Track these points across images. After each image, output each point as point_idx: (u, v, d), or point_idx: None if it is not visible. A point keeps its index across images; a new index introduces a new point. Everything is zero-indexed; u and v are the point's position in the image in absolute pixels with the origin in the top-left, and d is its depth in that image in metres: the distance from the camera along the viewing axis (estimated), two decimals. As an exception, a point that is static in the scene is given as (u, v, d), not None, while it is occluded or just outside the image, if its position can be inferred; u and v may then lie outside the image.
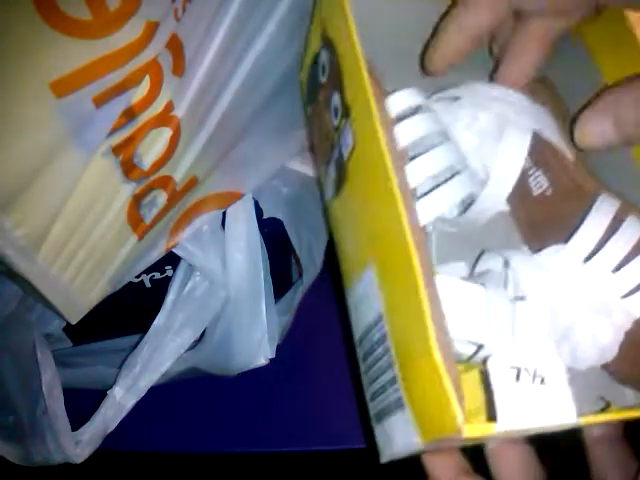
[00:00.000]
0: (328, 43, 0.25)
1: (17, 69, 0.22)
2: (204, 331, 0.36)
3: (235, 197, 0.34)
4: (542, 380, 0.18)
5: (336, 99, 0.25)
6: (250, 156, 0.33)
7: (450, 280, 0.21)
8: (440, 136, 0.25)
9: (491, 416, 0.17)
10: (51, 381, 0.32)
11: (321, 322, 0.45)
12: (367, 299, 0.23)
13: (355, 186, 0.24)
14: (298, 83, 0.32)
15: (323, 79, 0.27)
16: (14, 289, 0.36)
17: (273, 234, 0.36)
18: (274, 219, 0.36)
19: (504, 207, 0.28)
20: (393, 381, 0.20)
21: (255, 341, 0.35)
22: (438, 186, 0.24)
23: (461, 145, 0.26)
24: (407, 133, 0.24)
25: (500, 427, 0.17)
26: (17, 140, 0.23)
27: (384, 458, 0.22)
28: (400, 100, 0.25)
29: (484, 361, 0.19)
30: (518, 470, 0.24)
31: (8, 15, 0.21)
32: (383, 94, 0.25)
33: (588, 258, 0.23)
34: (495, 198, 0.26)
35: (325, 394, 0.44)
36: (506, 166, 0.26)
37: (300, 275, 0.40)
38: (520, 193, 0.27)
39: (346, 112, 0.24)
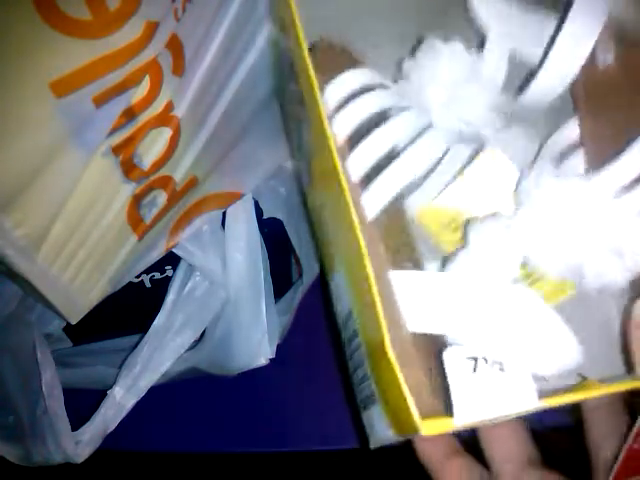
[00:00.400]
0: (282, 25, 0.23)
1: (17, 69, 0.22)
2: (204, 331, 0.36)
3: (235, 197, 0.34)
4: (501, 367, 0.17)
5: (294, 88, 0.23)
6: (250, 156, 0.33)
7: (405, 273, 0.21)
8: (394, 110, 0.24)
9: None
10: (51, 381, 0.32)
11: (321, 322, 0.45)
12: (340, 294, 0.23)
13: (318, 183, 0.23)
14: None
15: (285, 66, 0.25)
16: (14, 289, 0.36)
17: (273, 234, 0.36)
18: (274, 219, 0.36)
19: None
20: (367, 375, 0.20)
21: (255, 341, 0.35)
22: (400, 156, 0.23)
23: (429, 100, 0.24)
24: (352, 118, 0.23)
25: (458, 421, 0.16)
26: (17, 140, 0.23)
27: (372, 445, 0.22)
28: (343, 85, 0.23)
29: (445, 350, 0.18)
30: (512, 451, 0.23)
31: (8, 15, 0.22)
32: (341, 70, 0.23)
33: (619, 193, 0.21)
34: (554, 82, 0.24)
35: (325, 394, 0.44)
36: (570, 47, 0.23)
37: (300, 275, 0.40)
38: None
39: (303, 104, 0.22)
